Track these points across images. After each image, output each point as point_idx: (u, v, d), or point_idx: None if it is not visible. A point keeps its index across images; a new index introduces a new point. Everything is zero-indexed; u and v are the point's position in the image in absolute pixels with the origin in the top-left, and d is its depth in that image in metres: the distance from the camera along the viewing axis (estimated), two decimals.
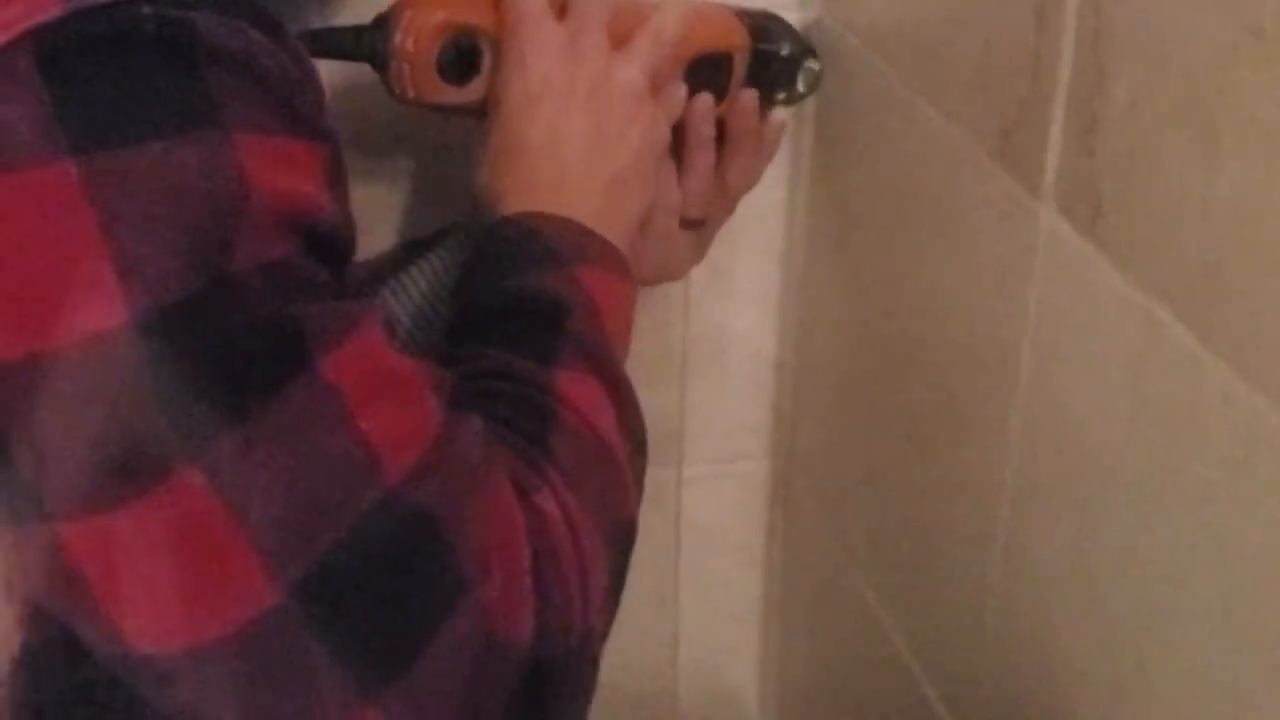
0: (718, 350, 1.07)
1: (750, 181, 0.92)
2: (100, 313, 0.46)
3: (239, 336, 0.48)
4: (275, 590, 0.49)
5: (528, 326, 0.67)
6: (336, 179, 0.55)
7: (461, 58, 0.78)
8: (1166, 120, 0.59)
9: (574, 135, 0.77)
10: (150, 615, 0.49)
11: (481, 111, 0.80)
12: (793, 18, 0.97)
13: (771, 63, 0.92)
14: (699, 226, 0.91)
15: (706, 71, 0.87)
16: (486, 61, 0.79)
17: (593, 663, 0.60)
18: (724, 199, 0.91)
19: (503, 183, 0.76)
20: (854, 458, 1.00)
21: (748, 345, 1.07)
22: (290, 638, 0.49)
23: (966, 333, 0.80)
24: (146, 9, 0.47)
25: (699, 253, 0.92)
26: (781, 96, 0.93)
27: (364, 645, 0.51)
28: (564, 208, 0.75)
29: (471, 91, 0.79)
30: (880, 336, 0.94)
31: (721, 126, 0.89)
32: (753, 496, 1.13)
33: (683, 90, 0.85)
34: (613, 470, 0.65)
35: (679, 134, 0.86)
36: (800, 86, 0.94)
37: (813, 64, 0.93)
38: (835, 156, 0.99)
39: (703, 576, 1.12)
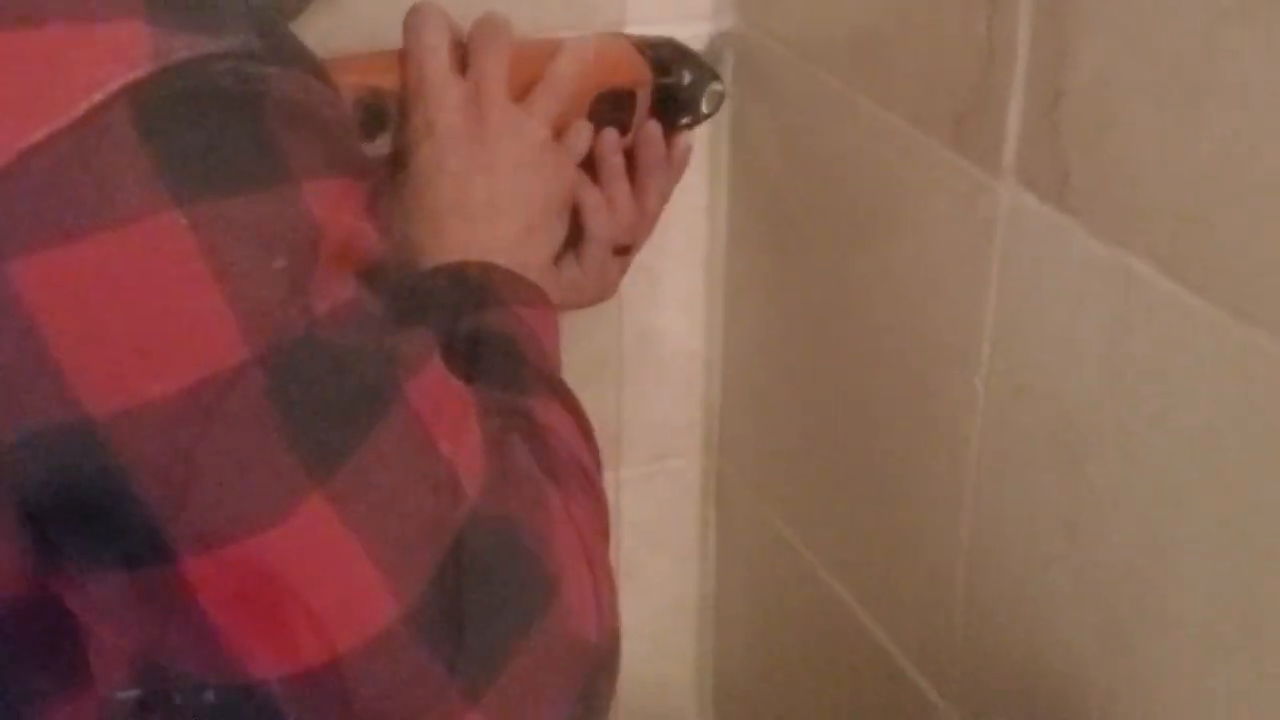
0: (649, 352, 1.10)
1: (664, 202, 0.96)
2: (225, 352, 0.48)
3: (343, 372, 0.51)
4: (397, 606, 0.52)
5: (491, 362, 0.70)
6: (373, 209, 0.58)
7: (370, 116, 0.83)
8: (1140, 88, 0.65)
9: (481, 191, 0.82)
10: (275, 641, 0.51)
11: (392, 163, 0.84)
12: (704, 27, 1.01)
13: (674, 92, 0.96)
14: (627, 251, 0.95)
15: (610, 108, 0.92)
16: (393, 118, 0.84)
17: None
18: (645, 221, 0.95)
19: (418, 238, 0.80)
20: (791, 443, 1.05)
21: (677, 346, 1.11)
22: (408, 650, 0.53)
23: (921, 309, 0.85)
24: (224, 65, 0.49)
25: (625, 271, 0.97)
26: (686, 120, 0.98)
27: (470, 652, 0.54)
28: (479, 257, 0.79)
29: (380, 146, 0.84)
30: (816, 325, 0.99)
31: (631, 155, 0.94)
32: (686, 493, 1.17)
33: (587, 129, 0.89)
34: (593, 487, 0.69)
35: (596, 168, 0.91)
36: (704, 108, 0.98)
37: (716, 85, 0.98)
38: (755, 159, 1.03)
39: (641, 574, 1.15)
